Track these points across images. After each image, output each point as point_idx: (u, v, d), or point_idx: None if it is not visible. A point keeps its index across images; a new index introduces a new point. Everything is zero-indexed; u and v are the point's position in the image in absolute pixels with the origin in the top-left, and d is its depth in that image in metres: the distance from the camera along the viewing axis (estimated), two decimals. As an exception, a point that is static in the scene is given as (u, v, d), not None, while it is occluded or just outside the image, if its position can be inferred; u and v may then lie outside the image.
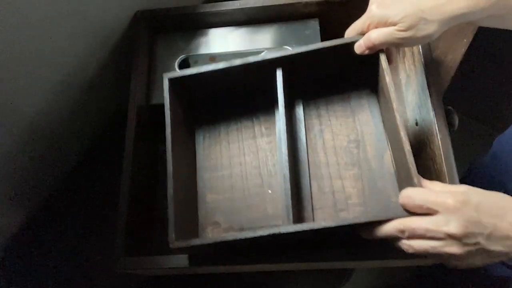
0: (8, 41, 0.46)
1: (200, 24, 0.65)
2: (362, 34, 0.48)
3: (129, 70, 0.60)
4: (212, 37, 0.65)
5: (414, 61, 0.59)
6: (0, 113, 0.51)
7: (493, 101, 1.29)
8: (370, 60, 0.50)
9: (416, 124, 0.59)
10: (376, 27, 0.45)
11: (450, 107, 0.55)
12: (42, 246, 0.64)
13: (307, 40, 0.62)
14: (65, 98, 0.60)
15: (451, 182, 0.49)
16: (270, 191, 0.53)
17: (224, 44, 0.64)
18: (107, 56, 0.63)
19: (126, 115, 0.57)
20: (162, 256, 0.50)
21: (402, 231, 0.37)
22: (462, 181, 0.48)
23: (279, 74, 0.51)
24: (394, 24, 0.43)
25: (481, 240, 0.34)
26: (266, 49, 0.64)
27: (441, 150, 0.51)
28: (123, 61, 0.64)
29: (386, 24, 0.44)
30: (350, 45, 0.49)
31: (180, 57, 0.64)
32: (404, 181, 0.47)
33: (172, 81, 0.51)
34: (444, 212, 0.35)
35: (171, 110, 0.50)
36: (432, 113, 0.53)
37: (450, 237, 0.34)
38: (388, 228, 0.39)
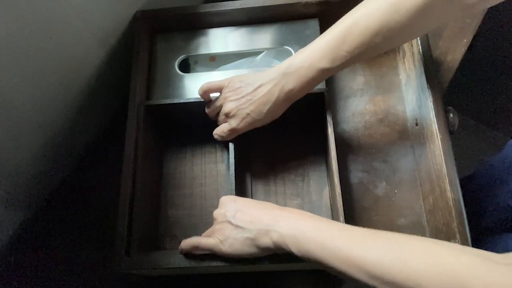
0: (8, 41, 0.46)
1: (200, 24, 0.65)
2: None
3: (129, 70, 0.60)
4: (212, 37, 0.65)
5: (414, 61, 0.59)
6: (0, 113, 0.51)
7: (493, 101, 1.29)
8: (320, 112, 0.58)
9: (416, 124, 0.59)
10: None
11: (450, 107, 0.55)
12: (42, 246, 0.64)
13: (307, 40, 0.62)
14: (65, 98, 0.60)
15: (451, 182, 0.49)
16: None
17: (224, 44, 0.64)
18: (107, 56, 0.63)
19: (126, 115, 0.57)
20: (162, 256, 0.50)
21: None
22: (468, 180, 0.49)
23: None
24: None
25: (229, 218, 0.46)
26: (266, 49, 0.64)
27: (441, 150, 0.51)
28: (123, 61, 0.64)
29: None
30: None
31: (180, 57, 0.64)
32: (335, 215, 0.54)
33: (146, 107, 0.58)
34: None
35: (143, 133, 0.57)
36: (432, 113, 0.53)
37: (214, 219, 0.48)
38: None
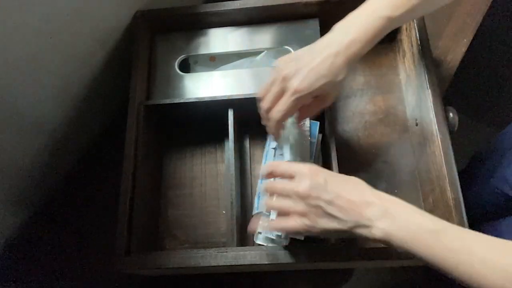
0: (8, 41, 0.46)
1: (200, 24, 0.65)
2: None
3: (129, 70, 0.60)
4: (212, 37, 0.65)
5: (414, 61, 0.59)
6: (0, 113, 0.51)
7: (493, 100, 1.29)
8: (320, 112, 0.54)
9: (416, 124, 0.59)
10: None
11: (450, 107, 0.55)
12: (42, 246, 0.64)
13: (307, 40, 0.62)
14: (65, 98, 0.60)
15: (452, 182, 0.49)
16: (224, 212, 0.60)
17: (224, 44, 0.64)
18: (107, 56, 0.63)
19: (126, 115, 0.57)
20: (162, 256, 0.50)
21: (269, 190, 0.47)
22: (461, 174, 0.50)
23: (230, 114, 0.57)
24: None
25: (322, 203, 0.40)
26: (266, 49, 0.64)
27: (441, 150, 0.51)
28: (123, 61, 0.64)
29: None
30: None
31: (180, 57, 0.64)
32: None
33: (146, 107, 0.58)
34: (298, 177, 0.43)
35: (143, 133, 0.56)
36: (432, 113, 0.53)
37: (298, 196, 0.42)
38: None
